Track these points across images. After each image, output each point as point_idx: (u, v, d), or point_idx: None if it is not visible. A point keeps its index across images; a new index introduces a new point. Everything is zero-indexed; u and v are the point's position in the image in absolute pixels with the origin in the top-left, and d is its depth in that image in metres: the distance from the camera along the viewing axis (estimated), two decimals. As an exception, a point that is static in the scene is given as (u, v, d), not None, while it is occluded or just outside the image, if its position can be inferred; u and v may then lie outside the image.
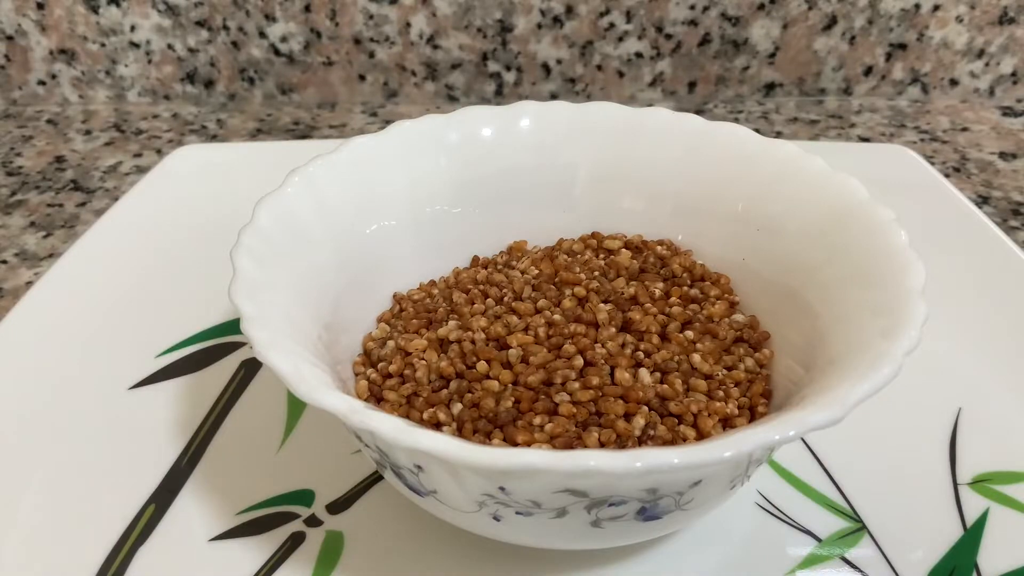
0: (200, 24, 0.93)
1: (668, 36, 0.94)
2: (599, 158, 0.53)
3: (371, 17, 0.92)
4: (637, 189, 0.52)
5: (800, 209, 0.46)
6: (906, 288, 0.37)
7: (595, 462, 0.29)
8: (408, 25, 0.93)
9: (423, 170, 0.52)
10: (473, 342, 0.42)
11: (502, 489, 0.34)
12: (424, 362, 0.43)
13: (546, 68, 0.96)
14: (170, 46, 0.95)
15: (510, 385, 0.40)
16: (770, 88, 0.98)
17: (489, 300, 0.46)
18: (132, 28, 0.93)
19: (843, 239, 0.43)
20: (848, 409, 0.31)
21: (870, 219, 0.42)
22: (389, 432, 0.32)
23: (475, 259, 0.52)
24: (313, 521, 0.44)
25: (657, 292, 0.46)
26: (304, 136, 0.91)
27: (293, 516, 0.44)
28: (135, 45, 0.95)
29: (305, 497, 0.45)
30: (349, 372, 0.44)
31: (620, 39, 0.94)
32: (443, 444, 0.31)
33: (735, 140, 0.50)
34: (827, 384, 0.36)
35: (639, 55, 0.95)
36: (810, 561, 0.42)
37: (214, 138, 0.91)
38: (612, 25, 0.93)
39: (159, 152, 0.87)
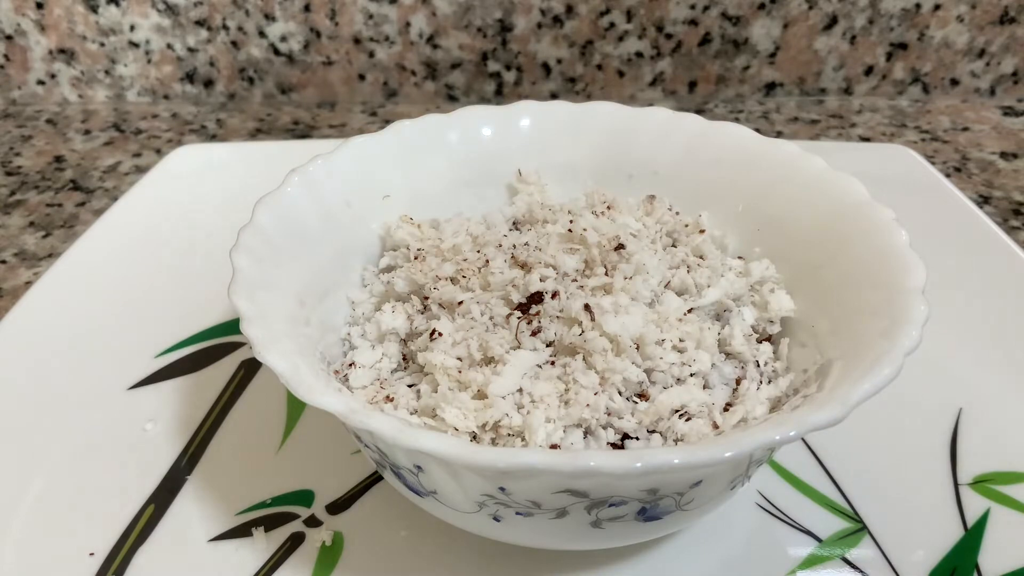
0: (199, 24, 0.93)
1: (668, 36, 0.94)
2: (600, 157, 0.53)
3: (371, 17, 0.92)
4: (638, 189, 0.52)
5: (801, 209, 0.46)
6: (907, 289, 0.37)
7: (595, 462, 0.29)
8: (408, 25, 0.93)
9: (423, 170, 0.52)
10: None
11: (502, 489, 0.34)
12: None
13: (546, 68, 0.96)
14: (169, 46, 0.95)
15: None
16: (771, 88, 0.98)
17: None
18: (131, 28, 0.93)
19: (844, 239, 0.43)
20: (849, 409, 0.31)
21: (871, 219, 0.42)
22: (389, 432, 0.32)
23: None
24: (313, 521, 0.44)
25: None
26: (304, 136, 0.91)
27: (293, 516, 0.44)
28: (134, 45, 0.94)
29: (305, 497, 0.45)
30: (348, 368, 0.43)
31: (620, 39, 0.94)
32: (443, 444, 0.31)
33: (735, 140, 0.50)
34: (828, 384, 0.36)
35: (639, 55, 0.95)
36: (811, 561, 0.42)
37: (213, 138, 0.91)
38: (612, 25, 0.93)
39: (158, 152, 0.87)
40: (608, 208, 0.49)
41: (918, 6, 0.92)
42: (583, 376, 0.38)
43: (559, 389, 0.38)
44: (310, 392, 0.34)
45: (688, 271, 0.45)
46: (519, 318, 0.40)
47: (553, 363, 0.39)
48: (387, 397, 0.40)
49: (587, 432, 0.38)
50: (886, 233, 0.41)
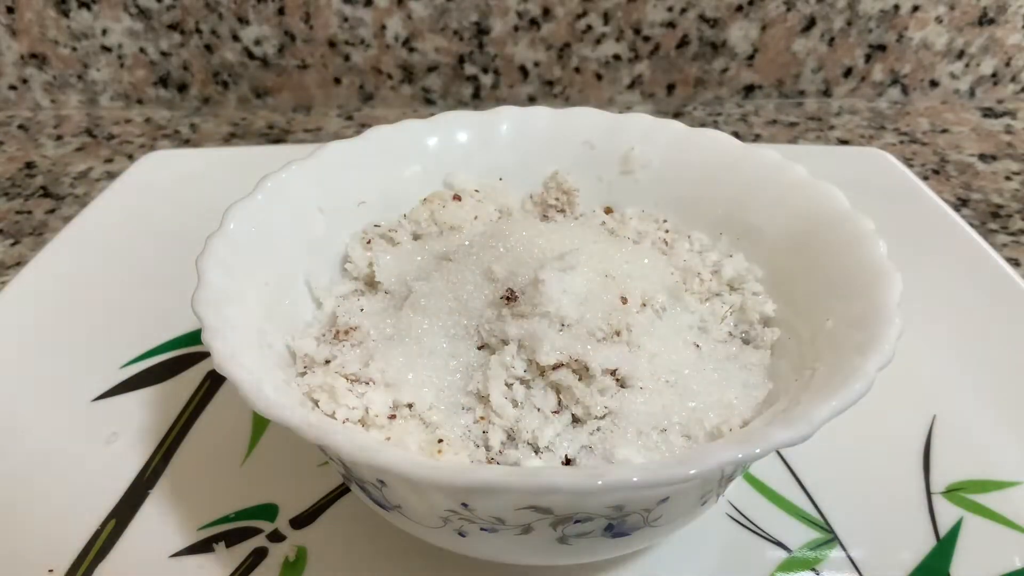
0: (172, 27, 0.92)
1: (646, 38, 0.93)
2: (580, 164, 0.53)
3: (346, 20, 0.91)
4: (618, 195, 0.52)
5: (780, 217, 0.46)
6: (883, 302, 0.36)
7: (555, 480, 0.29)
8: (383, 28, 0.92)
9: (400, 176, 0.51)
10: None
11: (465, 505, 0.33)
12: None
13: (523, 71, 0.96)
14: (142, 50, 0.94)
15: None
16: (749, 90, 0.97)
17: None
18: (103, 32, 0.92)
19: (823, 249, 0.42)
20: (815, 427, 0.30)
21: (850, 230, 0.41)
22: (346, 447, 0.31)
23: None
24: (276, 536, 0.43)
25: None
26: (279, 140, 0.90)
27: (256, 531, 0.43)
28: (107, 49, 0.93)
29: (268, 512, 0.44)
30: (320, 379, 0.43)
31: (598, 41, 0.93)
32: (401, 460, 0.30)
33: (717, 146, 0.50)
34: (798, 398, 0.35)
35: (617, 57, 0.95)
36: (780, 572, 0.41)
37: (187, 142, 0.90)
38: (589, 27, 0.92)
39: (131, 157, 0.86)
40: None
41: (897, 7, 0.91)
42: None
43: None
44: (268, 407, 0.33)
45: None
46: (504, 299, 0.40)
47: (543, 373, 0.38)
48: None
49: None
50: (865, 244, 0.40)
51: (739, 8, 0.91)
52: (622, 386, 0.38)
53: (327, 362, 0.41)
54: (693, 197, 0.50)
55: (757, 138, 0.90)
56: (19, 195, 0.80)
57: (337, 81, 0.96)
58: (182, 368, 0.54)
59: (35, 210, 0.77)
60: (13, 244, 0.72)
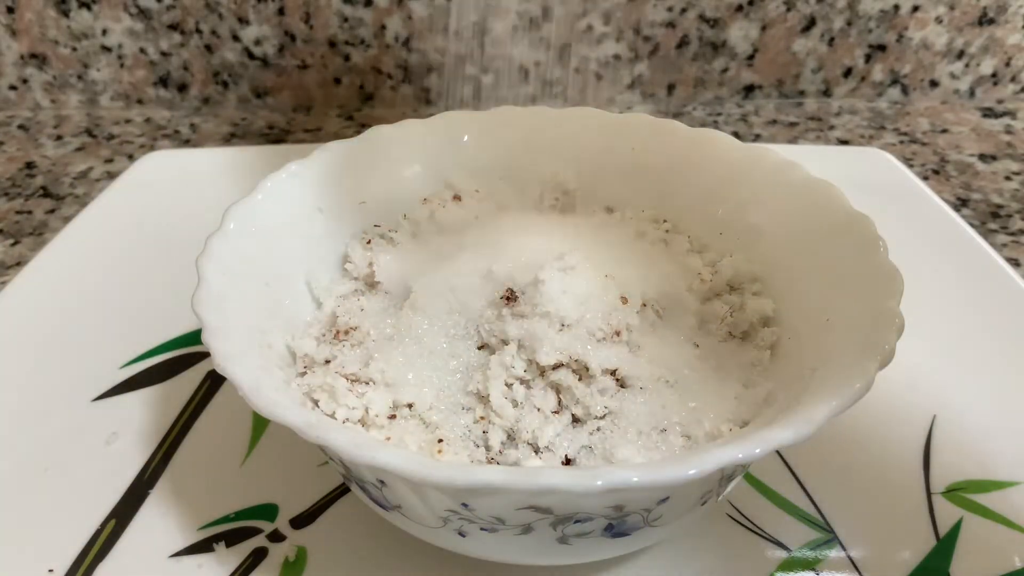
0: (172, 27, 0.92)
1: (646, 38, 0.93)
2: (581, 164, 0.52)
3: (345, 20, 0.91)
4: (618, 195, 0.52)
5: (780, 217, 0.46)
6: (884, 302, 0.36)
7: (554, 480, 0.29)
8: (383, 28, 0.92)
9: (400, 176, 0.51)
10: None
11: (465, 505, 0.33)
12: None
13: (523, 71, 0.95)
14: (142, 50, 0.93)
15: None
16: (749, 90, 0.97)
17: None
18: (104, 32, 0.92)
19: (823, 249, 0.42)
20: (816, 427, 0.30)
21: (851, 229, 0.41)
22: (346, 447, 0.31)
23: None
24: (276, 536, 0.43)
25: None
26: (279, 140, 0.90)
27: (256, 531, 0.43)
28: (107, 49, 0.93)
29: (268, 511, 0.44)
30: (320, 379, 0.43)
31: (598, 41, 0.93)
32: (401, 460, 0.30)
33: (716, 146, 0.50)
34: (798, 398, 0.35)
35: (617, 57, 0.95)
36: (780, 572, 0.41)
37: (187, 143, 0.90)
38: (590, 27, 0.92)
39: (131, 157, 0.85)
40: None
41: (896, 7, 0.91)
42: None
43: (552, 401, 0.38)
44: (268, 406, 0.33)
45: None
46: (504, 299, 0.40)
47: (543, 373, 0.38)
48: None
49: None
50: (866, 244, 0.40)
51: (739, 8, 0.91)
52: (622, 386, 0.39)
53: (327, 362, 0.41)
54: (693, 197, 0.50)
55: (757, 138, 0.90)
56: (19, 195, 0.80)
57: (337, 81, 0.96)
58: (182, 368, 0.54)
59: (35, 210, 0.77)
60: (13, 244, 0.72)
